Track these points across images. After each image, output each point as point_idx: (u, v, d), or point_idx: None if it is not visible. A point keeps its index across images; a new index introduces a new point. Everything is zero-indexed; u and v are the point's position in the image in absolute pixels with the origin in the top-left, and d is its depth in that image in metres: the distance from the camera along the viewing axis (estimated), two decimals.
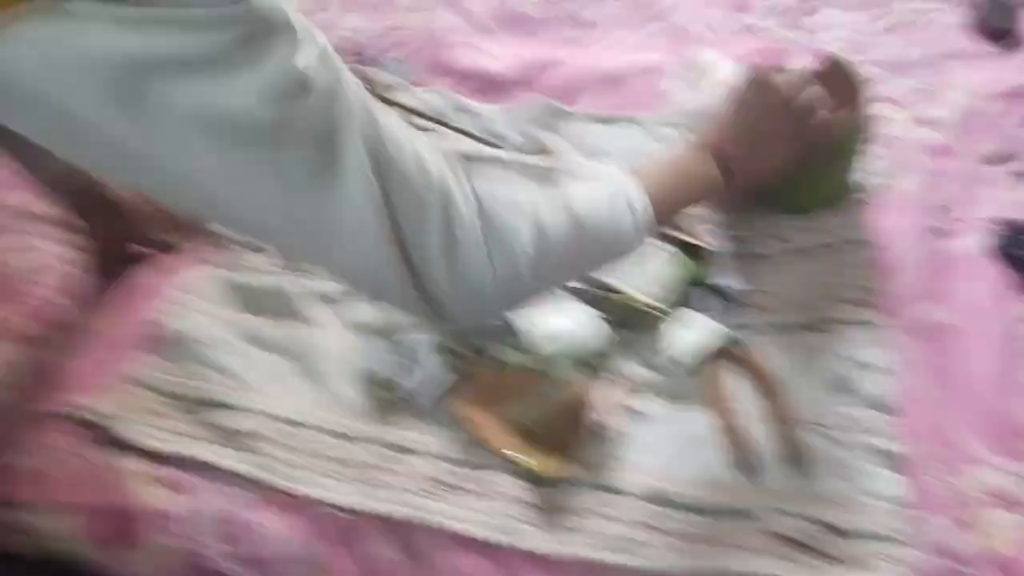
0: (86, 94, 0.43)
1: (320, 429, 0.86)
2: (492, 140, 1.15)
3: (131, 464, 0.85)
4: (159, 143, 0.46)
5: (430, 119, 1.18)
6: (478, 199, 0.58)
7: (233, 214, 0.52)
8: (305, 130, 0.48)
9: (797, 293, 0.91)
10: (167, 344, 0.93)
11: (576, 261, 0.66)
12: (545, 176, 0.65)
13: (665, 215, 0.71)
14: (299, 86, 0.47)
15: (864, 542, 0.72)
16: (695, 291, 0.91)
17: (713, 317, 0.88)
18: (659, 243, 0.91)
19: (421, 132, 0.59)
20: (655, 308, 0.88)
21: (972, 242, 0.91)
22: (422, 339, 0.89)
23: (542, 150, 1.12)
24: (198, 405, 0.89)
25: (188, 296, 0.98)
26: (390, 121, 0.55)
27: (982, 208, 0.95)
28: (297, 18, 0.49)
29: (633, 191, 0.68)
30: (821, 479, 0.77)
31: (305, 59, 0.48)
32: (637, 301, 0.88)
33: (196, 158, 0.46)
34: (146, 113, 0.44)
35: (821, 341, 0.86)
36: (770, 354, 0.86)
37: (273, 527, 0.81)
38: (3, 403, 0.91)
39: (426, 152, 0.56)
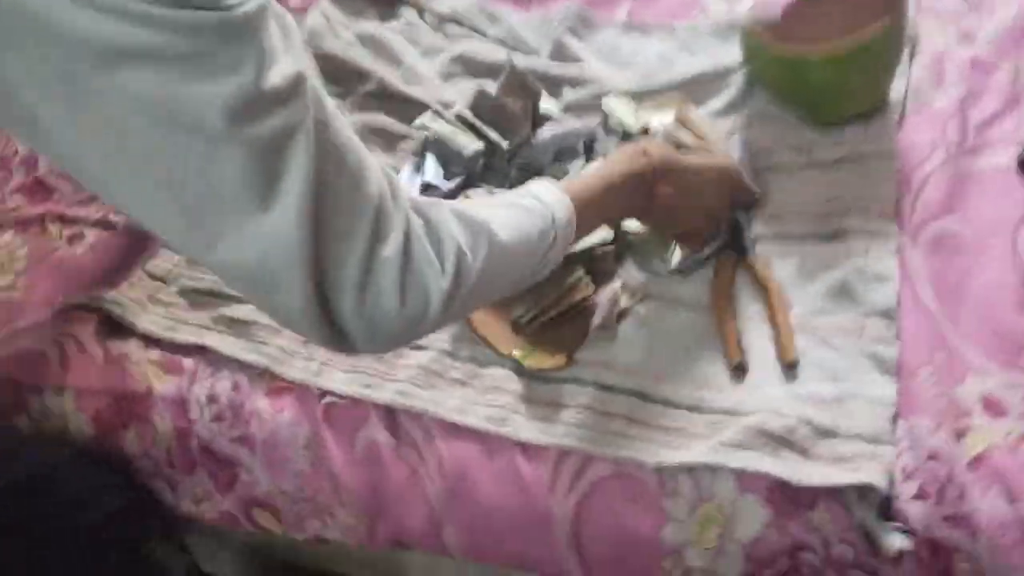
0: (36, 66, 0.45)
1: None
2: (521, 48, 1.18)
3: (135, 350, 0.93)
4: (93, 120, 0.48)
5: (462, 26, 1.22)
6: (407, 233, 0.59)
7: (137, 199, 0.53)
8: (253, 145, 0.49)
9: (812, 204, 0.93)
10: None
11: (490, 291, 0.69)
12: (472, 207, 0.68)
13: (585, 230, 0.79)
14: (259, 105, 0.49)
15: (849, 441, 0.75)
16: None
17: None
18: None
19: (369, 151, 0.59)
20: None
21: (1002, 159, 0.92)
22: None
23: (570, 58, 1.15)
24: (205, 296, 0.96)
25: None
26: (343, 134, 0.56)
27: (1016, 127, 0.94)
28: (283, 32, 0.52)
29: (561, 213, 0.72)
30: (814, 382, 0.80)
31: (272, 79, 0.49)
32: None
33: (128, 141, 0.48)
34: (94, 93, 0.46)
35: (832, 251, 0.88)
36: (778, 263, 0.89)
37: (266, 409, 0.88)
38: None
39: (370, 173, 0.57)
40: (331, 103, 0.56)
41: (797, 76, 0.96)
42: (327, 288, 0.56)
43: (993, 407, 0.76)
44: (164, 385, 0.91)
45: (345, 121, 0.57)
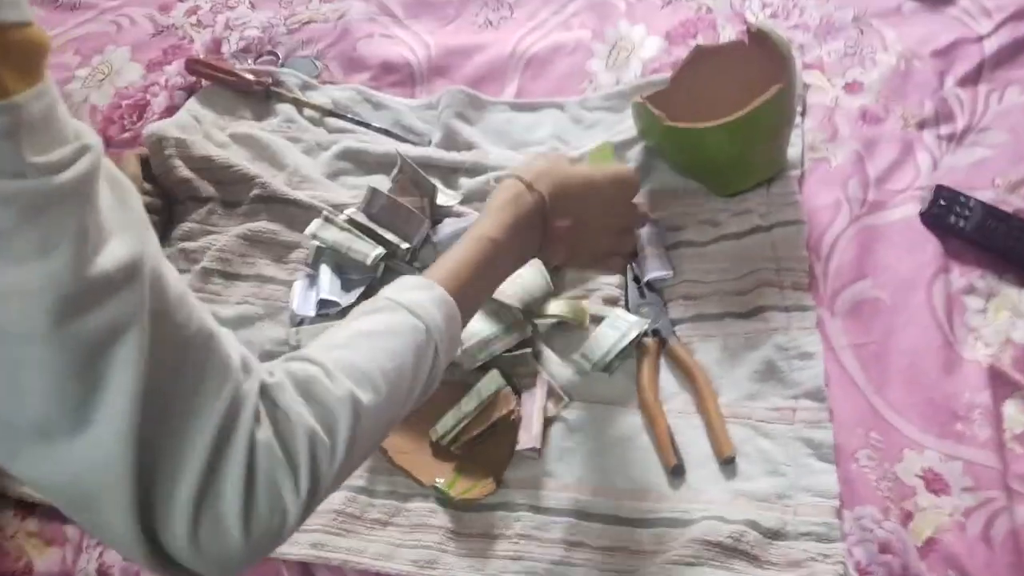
0: None
1: None
2: (410, 138, 1.14)
3: (9, 522, 0.84)
4: None
5: (345, 118, 1.18)
6: (252, 437, 0.48)
7: None
8: (68, 348, 0.41)
9: (726, 281, 0.91)
10: None
11: (370, 448, 0.59)
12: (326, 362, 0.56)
13: (477, 306, 0.71)
14: (78, 298, 0.41)
15: (798, 541, 0.73)
16: (632, 290, 0.92)
17: (647, 314, 0.89)
18: None
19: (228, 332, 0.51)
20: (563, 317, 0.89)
21: (904, 212, 0.93)
22: None
23: (462, 144, 1.12)
24: None
25: None
26: (189, 324, 0.47)
27: (915, 175, 0.95)
28: (119, 201, 0.44)
29: (437, 316, 0.61)
30: (753, 477, 0.77)
31: (99, 265, 0.41)
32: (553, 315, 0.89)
33: None
34: None
35: (752, 329, 0.87)
36: (700, 346, 0.87)
37: None
38: None
39: (216, 370, 0.48)
40: (177, 285, 0.47)
41: (695, 149, 0.95)
42: (154, 515, 0.46)
43: (935, 483, 0.75)
44: (45, 560, 0.82)
45: (194, 303, 0.48)
